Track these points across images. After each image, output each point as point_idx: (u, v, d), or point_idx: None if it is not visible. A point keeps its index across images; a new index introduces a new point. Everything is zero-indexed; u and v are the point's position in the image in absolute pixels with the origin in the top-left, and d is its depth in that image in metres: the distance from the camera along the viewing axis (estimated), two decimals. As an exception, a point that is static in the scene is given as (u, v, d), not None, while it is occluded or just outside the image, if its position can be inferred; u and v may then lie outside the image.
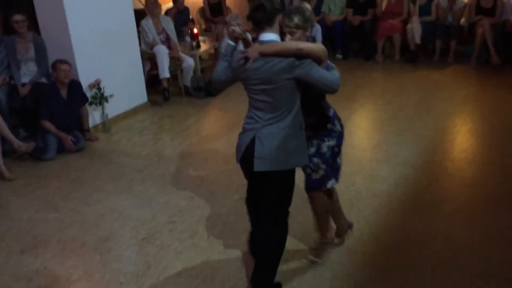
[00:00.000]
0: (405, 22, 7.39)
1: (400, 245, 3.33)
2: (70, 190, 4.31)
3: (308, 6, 2.77)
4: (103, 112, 5.50)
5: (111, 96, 5.46)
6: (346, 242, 3.37)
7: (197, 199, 4.05)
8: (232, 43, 2.78)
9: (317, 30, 7.31)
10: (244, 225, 3.63)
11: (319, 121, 2.88)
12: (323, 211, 3.15)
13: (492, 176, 4.15)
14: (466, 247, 3.28)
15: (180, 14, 7.79)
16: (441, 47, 7.27)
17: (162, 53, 6.18)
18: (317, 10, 7.69)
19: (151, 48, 6.32)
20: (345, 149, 4.78)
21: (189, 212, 3.88)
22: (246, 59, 2.57)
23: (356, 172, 4.33)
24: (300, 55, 2.53)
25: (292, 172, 2.74)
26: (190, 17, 8.11)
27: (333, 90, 2.64)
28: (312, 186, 3.01)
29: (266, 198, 2.75)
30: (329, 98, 2.94)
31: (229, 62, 2.75)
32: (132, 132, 5.52)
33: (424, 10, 7.32)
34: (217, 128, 5.54)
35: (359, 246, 3.34)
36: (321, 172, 2.94)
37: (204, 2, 8.47)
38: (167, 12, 7.73)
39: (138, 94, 6.10)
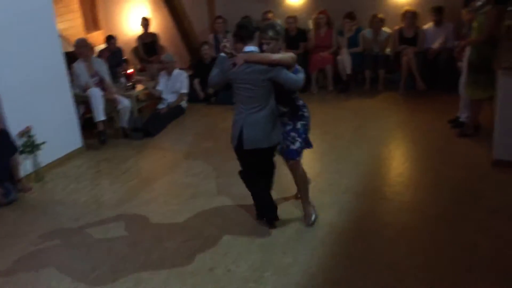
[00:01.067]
0: (336, 54, 7.70)
1: (347, 276, 3.36)
2: (1, 247, 4.02)
3: (279, 21, 3.72)
4: (35, 161, 5.24)
5: (43, 143, 5.23)
6: (295, 276, 3.37)
7: (140, 245, 3.91)
8: (223, 55, 3.74)
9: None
10: (191, 268, 3.55)
11: (292, 110, 3.84)
12: (303, 177, 3.99)
13: (428, 198, 4.32)
14: (410, 272, 3.35)
15: (113, 55, 7.71)
16: (371, 76, 7.60)
17: (96, 96, 6.04)
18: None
19: (84, 91, 6.16)
20: (287, 180, 4.84)
21: (132, 259, 3.73)
22: (234, 64, 3.61)
23: (300, 203, 4.36)
24: (273, 64, 3.55)
25: (270, 148, 3.80)
26: (124, 57, 8.04)
27: (297, 88, 3.74)
28: (291, 155, 3.85)
29: (258, 165, 3.88)
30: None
31: (220, 69, 3.74)
32: (68, 179, 5.29)
33: (352, 42, 7.66)
34: (157, 169, 5.43)
35: (307, 280, 3.33)
36: (297, 144, 3.83)
37: (137, 41, 8.44)
38: (100, 54, 7.62)
39: (72, 139, 5.89)
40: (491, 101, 5.58)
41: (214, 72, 3.80)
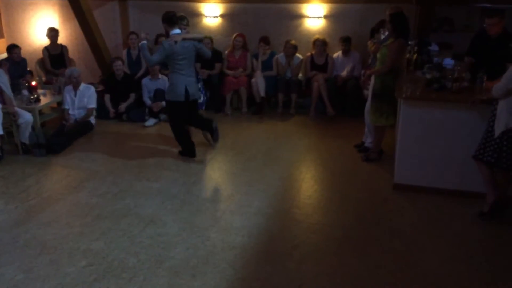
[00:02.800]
0: (250, 76, 7.81)
1: (256, 298, 3.34)
2: None
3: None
4: None
5: None
6: (203, 301, 3.28)
7: (36, 270, 3.62)
8: (145, 42, 5.57)
9: (166, 82, 7.34)
10: (92, 296, 3.33)
11: (197, 74, 5.91)
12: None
13: (335, 220, 4.45)
14: (317, 292, 3.41)
15: (15, 65, 7.21)
16: (283, 99, 7.80)
17: (-6, 108, 5.59)
18: (165, 64, 7.72)
19: (-20, 102, 5.68)
20: (198, 202, 4.77)
21: (26, 286, 3.43)
22: (175, 42, 5.32)
23: (210, 225, 4.30)
24: (197, 39, 5.59)
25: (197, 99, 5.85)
26: (28, 68, 7.56)
27: (208, 57, 5.87)
28: (200, 107, 6.09)
29: (195, 110, 5.83)
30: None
31: (158, 52, 5.44)
32: (-44, 198, 4.81)
33: (267, 66, 7.84)
34: (60, 188, 5.10)
35: (216, 304, 3.27)
36: (201, 98, 6.19)
37: (43, 53, 7.99)
38: (0, 64, 7.08)
39: (-37, 154, 5.38)
40: (393, 128, 5.94)
41: (154, 57, 5.45)
